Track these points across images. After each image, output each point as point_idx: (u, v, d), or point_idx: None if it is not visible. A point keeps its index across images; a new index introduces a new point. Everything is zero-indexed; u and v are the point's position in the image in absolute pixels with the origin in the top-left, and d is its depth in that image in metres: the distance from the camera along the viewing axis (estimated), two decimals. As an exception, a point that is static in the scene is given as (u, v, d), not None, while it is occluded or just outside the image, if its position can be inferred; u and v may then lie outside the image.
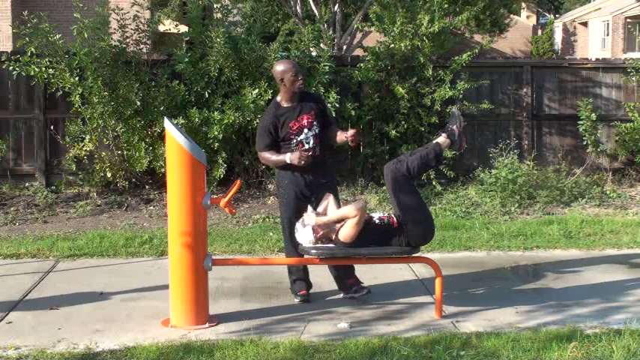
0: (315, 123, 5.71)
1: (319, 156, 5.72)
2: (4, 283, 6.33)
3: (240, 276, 6.42)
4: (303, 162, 5.57)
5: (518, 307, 5.64)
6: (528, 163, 10.08)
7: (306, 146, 5.66)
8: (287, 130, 5.67)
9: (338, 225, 5.28)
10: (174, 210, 5.18)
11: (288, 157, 5.61)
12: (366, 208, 5.26)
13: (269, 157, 5.75)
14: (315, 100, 5.90)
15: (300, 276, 5.86)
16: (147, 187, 9.92)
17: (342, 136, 5.72)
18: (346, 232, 5.21)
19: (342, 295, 5.85)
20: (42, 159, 10.19)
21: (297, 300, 5.80)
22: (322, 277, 6.05)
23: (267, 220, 8.70)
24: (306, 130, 5.68)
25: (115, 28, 9.72)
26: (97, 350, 4.78)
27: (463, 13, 11.18)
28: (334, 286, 5.90)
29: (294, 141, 5.67)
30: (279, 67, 5.72)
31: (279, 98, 5.78)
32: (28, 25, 9.39)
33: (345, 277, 5.84)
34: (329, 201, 5.51)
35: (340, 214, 5.22)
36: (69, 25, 9.84)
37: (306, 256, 5.48)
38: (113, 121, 9.49)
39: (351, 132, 5.66)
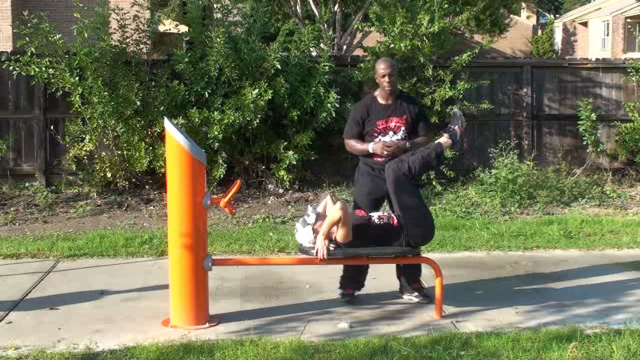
0: (403, 128, 5.69)
1: None
2: (4, 283, 6.33)
3: (240, 276, 6.42)
4: (385, 152, 5.57)
5: (518, 307, 5.64)
6: (528, 163, 10.08)
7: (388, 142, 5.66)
8: (373, 126, 5.69)
9: (334, 227, 5.27)
10: (174, 210, 5.18)
11: (370, 147, 5.65)
12: (347, 206, 5.24)
13: (354, 144, 5.78)
14: (413, 104, 5.84)
15: (353, 274, 5.82)
16: (147, 187, 9.92)
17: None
18: (340, 234, 5.22)
19: (404, 296, 5.84)
20: (42, 159, 10.19)
21: (342, 299, 5.77)
22: (322, 277, 6.05)
23: (267, 220, 8.69)
24: (391, 133, 5.69)
25: (115, 28, 9.73)
26: (97, 350, 4.78)
27: (463, 13, 11.18)
28: (334, 286, 5.90)
29: (378, 139, 5.68)
30: (376, 65, 5.79)
31: (376, 93, 5.82)
32: (28, 25, 9.39)
33: (411, 280, 5.83)
34: (327, 200, 5.51)
35: (327, 222, 5.21)
36: (69, 25, 9.84)
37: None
38: (113, 121, 9.49)
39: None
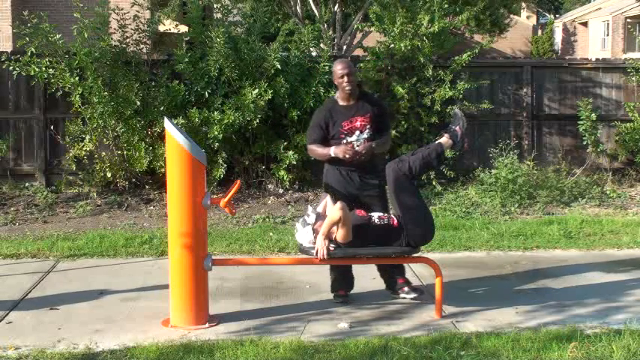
0: (368, 127, 5.64)
1: (368, 160, 5.64)
2: (4, 283, 6.33)
3: (240, 276, 6.42)
4: (347, 156, 5.52)
5: (518, 307, 5.64)
6: (528, 163, 10.08)
7: (356, 149, 5.59)
8: (338, 128, 5.63)
9: (334, 227, 5.27)
10: (175, 210, 5.18)
11: (332, 151, 5.59)
12: (346, 207, 5.23)
13: (315, 149, 5.72)
14: (374, 104, 5.80)
15: (340, 275, 5.80)
16: (147, 187, 9.91)
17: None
18: (340, 234, 5.22)
19: (400, 295, 5.81)
20: (42, 159, 10.19)
21: (335, 300, 5.76)
22: (322, 277, 6.05)
23: (267, 220, 8.69)
24: (357, 132, 5.63)
25: (115, 28, 9.73)
26: (97, 350, 4.78)
27: (463, 13, 11.17)
28: (334, 286, 5.90)
29: (345, 141, 5.62)
30: (333, 67, 5.74)
31: (336, 96, 5.78)
32: (28, 25, 9.39)
33: (399, 278, 5.82)
34: (327, 200, 5.51)
35: (327, 222, 5.21)
36: (69, 25, 9.85)
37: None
38: (113, 121, 9.50)
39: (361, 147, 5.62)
